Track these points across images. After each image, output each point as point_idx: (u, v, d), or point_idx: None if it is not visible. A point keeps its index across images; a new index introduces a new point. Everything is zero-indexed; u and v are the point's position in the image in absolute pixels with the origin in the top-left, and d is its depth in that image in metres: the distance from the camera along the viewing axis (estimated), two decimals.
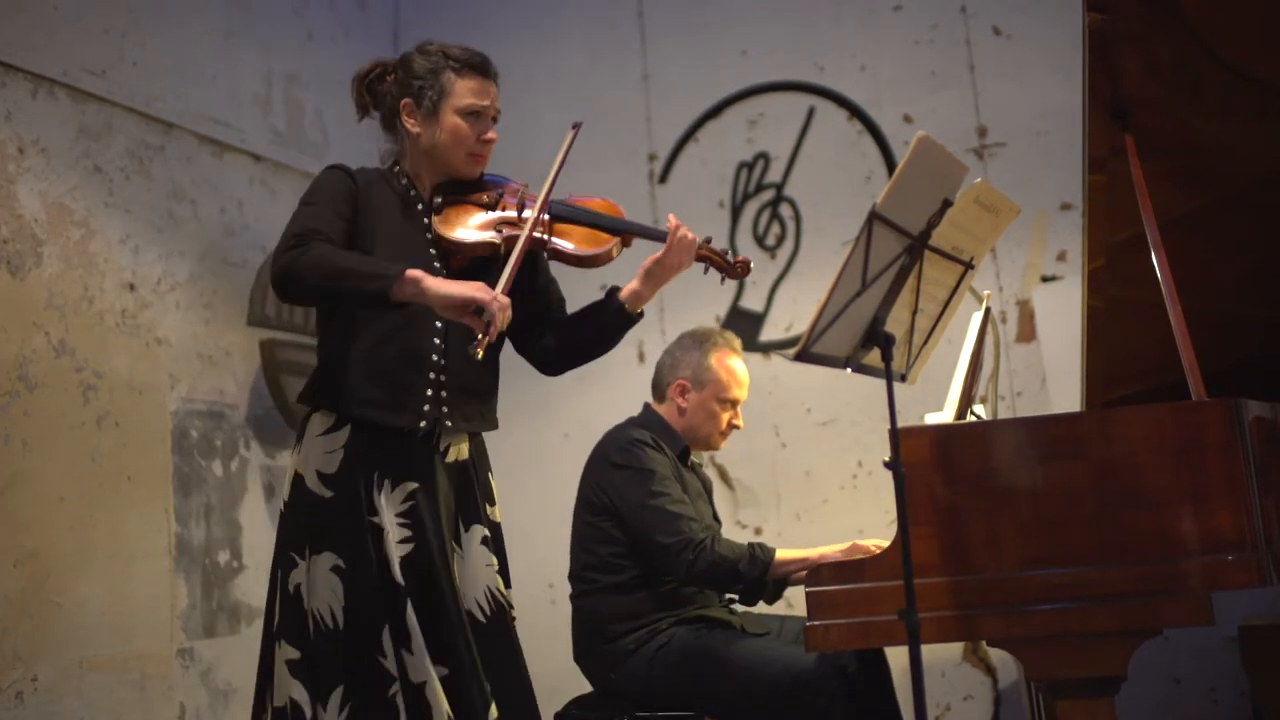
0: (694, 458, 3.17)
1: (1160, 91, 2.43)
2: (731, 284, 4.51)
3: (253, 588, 3.83)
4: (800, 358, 2.06)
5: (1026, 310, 4.15)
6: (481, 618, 2.34)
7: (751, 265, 2.47)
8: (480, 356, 2.12)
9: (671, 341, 3.23)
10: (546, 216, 2.39)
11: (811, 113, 4.50)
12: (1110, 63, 2.35)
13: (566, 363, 2.55)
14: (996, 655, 4.04)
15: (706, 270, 2.46)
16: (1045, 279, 4.13)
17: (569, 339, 2.51)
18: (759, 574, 2.70)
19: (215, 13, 4.07)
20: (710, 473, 4.20)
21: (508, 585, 2.43)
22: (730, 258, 2.44)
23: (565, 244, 2.39)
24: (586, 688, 3.05)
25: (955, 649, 4.07)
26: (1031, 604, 2.08)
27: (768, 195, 4.53)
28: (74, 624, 3.22)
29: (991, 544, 2.11)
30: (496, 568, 2.38)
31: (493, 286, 2.19)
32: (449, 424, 2.34)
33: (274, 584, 2.32)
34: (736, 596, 2.94)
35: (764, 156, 4.56)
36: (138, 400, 3.53)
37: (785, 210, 4.51)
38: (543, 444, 4.67)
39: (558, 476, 4.60)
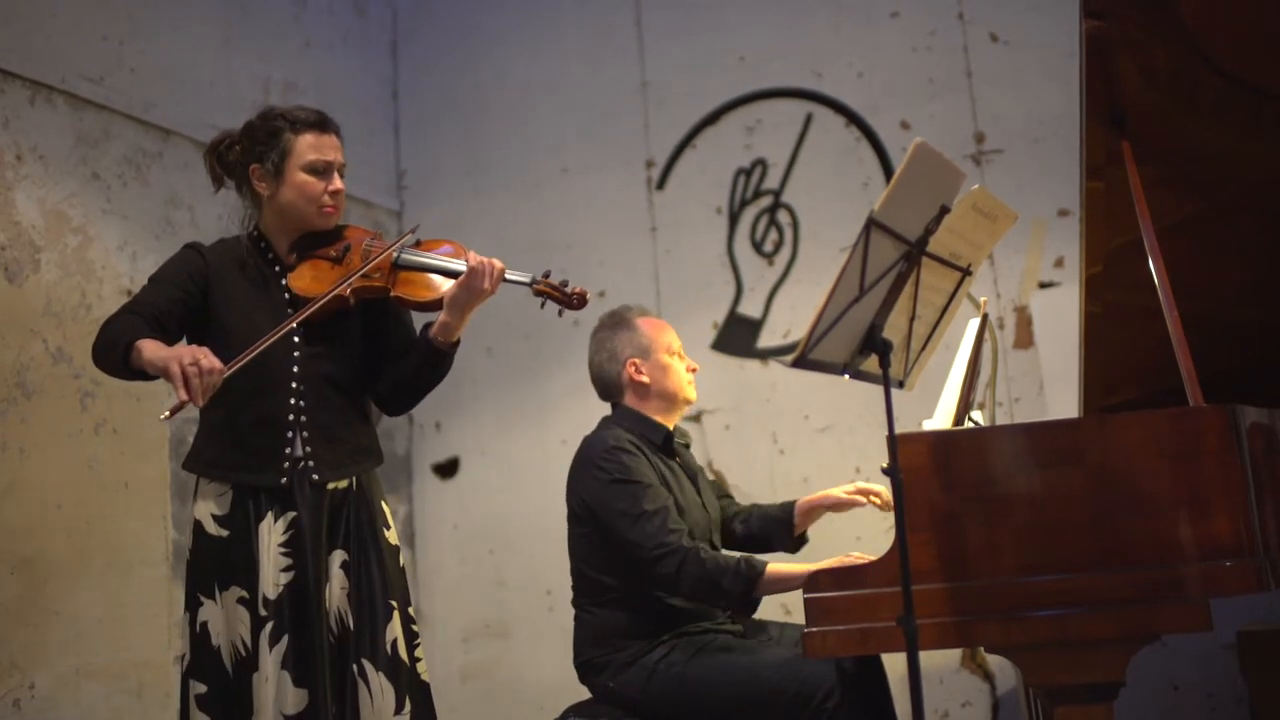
0: (679, 439, 3.12)
1: (1157, 98, 2.43)
2: (727, 292, 4.51)
3: None
4: (798, 364, 2.06)
5: (1024, 316, 4.15)
6: (332, 639, 2.44)
7: (589, 297, 2.55)
8: (164, 418, 2.22)
9: (591, 348, 3.09)
10: (390, 266, 2.52)
11: (809, 119, 4.51)
12: (1107, 69, 2.35)
13: (397, 400, 2.61)
14: (995, 661, 4.03)
15: (544, 305, 2.54)
16: (1043, 285, 4.13)
17: (394, 377, 2.59)
18: (742, 590, 2.61)
19: (213, 19, 4.08)
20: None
21: (407, 603, 2.54)
22: (567, 289, 2.52)
23: (404, 294, 2.51)
24: (583, 695, 3.04)
25: (953, 655, 4.06)
26: (1030, 610, 2.08)
27: (765, 201, 4.54)
28: (71, 631, 3.22)
29: (990, 550, 2.11)
30: (348, 591, 2.46)
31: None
32: (315, 477, 2.45)
33: (187, 627, 2.44)
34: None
35: (762, 163, 4.56)
36: (135, 407, 3.53)
37: (783, 216, 4.51)
38: (541, 450, 4.67)
39: (556, 483, 4.56)
